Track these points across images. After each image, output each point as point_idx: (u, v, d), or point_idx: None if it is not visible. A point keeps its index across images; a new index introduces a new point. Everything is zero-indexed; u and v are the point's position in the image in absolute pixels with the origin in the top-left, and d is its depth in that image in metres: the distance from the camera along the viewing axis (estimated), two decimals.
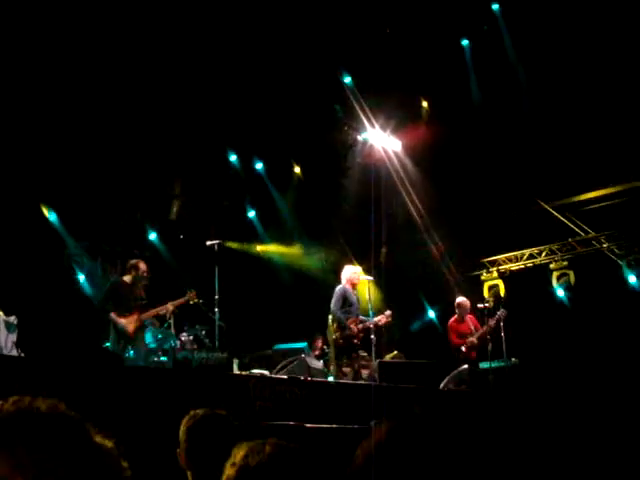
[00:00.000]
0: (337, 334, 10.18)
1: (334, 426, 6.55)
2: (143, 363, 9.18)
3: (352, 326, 10.14)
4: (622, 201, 13.50)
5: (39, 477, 1.42)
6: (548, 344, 12.60)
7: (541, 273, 14.60)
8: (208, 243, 10.93)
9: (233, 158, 14.65)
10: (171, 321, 10.99)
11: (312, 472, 1.97)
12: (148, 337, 10.65)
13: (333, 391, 8.05)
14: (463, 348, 11.26)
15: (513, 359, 11.60)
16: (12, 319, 9.17)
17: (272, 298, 14.01)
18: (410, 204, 14.84)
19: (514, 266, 15.27)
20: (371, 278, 10.94)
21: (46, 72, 10.66)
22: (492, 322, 11.26)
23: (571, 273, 14.32)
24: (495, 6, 13.19)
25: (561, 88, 12.82)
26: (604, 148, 12.80)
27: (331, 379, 10.08)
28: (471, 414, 8.27)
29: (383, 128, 14.32)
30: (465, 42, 13.86)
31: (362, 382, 9.71)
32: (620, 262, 13.70)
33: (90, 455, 1.53)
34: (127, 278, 9.72)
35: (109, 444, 2.05)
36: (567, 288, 14.15)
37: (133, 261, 9.98)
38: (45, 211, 12.12)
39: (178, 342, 10.46)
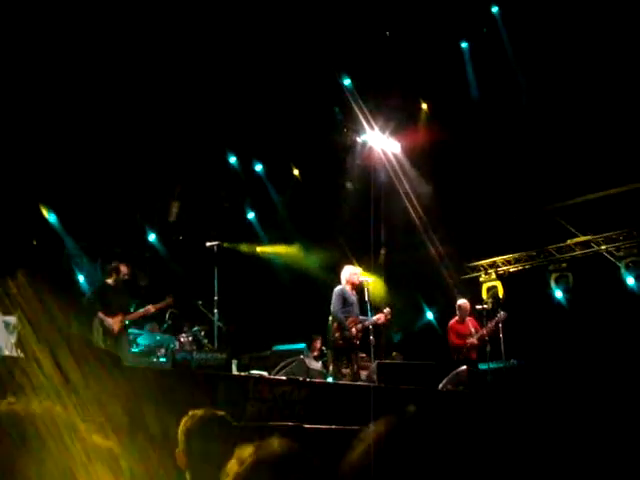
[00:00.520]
0: (337, 335, 10.19)
1: (333, 427, 6.56)
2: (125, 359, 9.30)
3: (352, 326, 10.16)
4: (621, 203, 13.51)
5: None
6: (547, 346, 12.61)
7: (540, 275, 14.62)
8: (207, 244, 10.96)
9: (233, 160, 14.67)
10: (170, 322, 11.03)
11: (313, 472, 1.98)
12: (148, 338, 10.69)
13: (332, 392, 8.07)
14: (463, 349, 11.30)
15: (512, 360, 11.63)
16: (12, 319, 9.18)
17: (271, 299, 14.03)
18: (409, 206, 14.87)
19: (512, 268, 15.29)
20: (370, 279, 10.95)
21: (46, 74, 10.67)
22: (491, 324, 11.29)
23: (569, 275, 14.34)
24: (494, 9, 13.22)
25: (560, 90, 12.84)
26: (603, 150, 12.81)
27: (330, 380, 10.09)
28: (469, 415, 8.27)
29: (382, 130, 14.35)
30: (464, 44, 13.89)
31: (361, 383, 9.72)
32: (618, 264, 13.72)
33: None
34: (110, 280, 9.90)
35: (108, 444, 2.07)
36: (565, 290, 14.17)
37: (115, 264, 10.14)
38: (45, 212, 12.13)
39: (177, 343, 10.49)
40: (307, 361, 10.33)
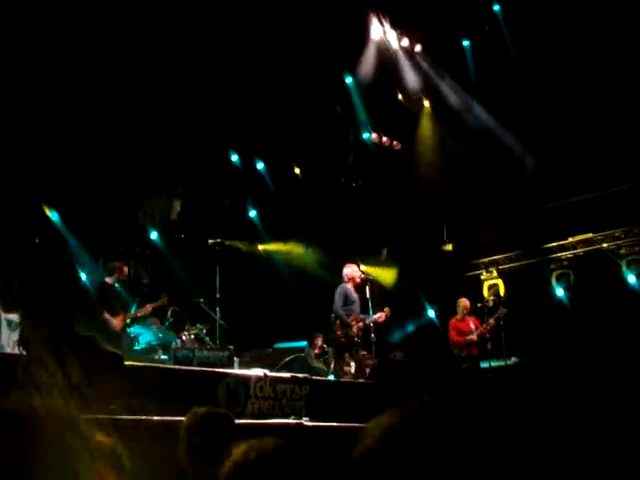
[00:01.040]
0: (339, 332, 10.23)
1: (334, 424, 6.59)
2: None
3: (353, 324, 10.20)
4: (623, 201, 13.50)
5: None
6: (547, 343, 12.61)
7: (541, 272, 14.61)
8: (209, 242, 10.99)
9: (234, 158, 14.69)
10: (172, 320, 11.05)
11: (311, 470, 2.00)
12: (150, 336, 10.71)
13: (333, 389, 8.09)
14: (464, 345, 11.32)
15: (513, 358, 11.65)
16: (14, 317, 9.21)
17: (273, 297, 14.04)
18: (411, 203, 14.92)
19: (514, 265, 15.28)
20: (372, 277, 10.98)
21: (48, 72, 10.69)
22: (492, 321, 11.31)
23: (571, 273, 14.33)
24: (496, 7, 13.22)
25: (562, 88, 12.85)
26: (606, 148, 12.82)
27: (331, 377, 10.12)
28: (470, 412, 8.29)
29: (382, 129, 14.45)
30: (466, 42, 13.90)
31: (362, 380, 9.74)
32: (619, 262, 13.71)
33: None
34: (110, 280, 9.91)
35: (111, 442, 2.09)
36: (567, 288, 14.16)
37: (116, 263, 10.17)
38: (47, 211, 12.15)
39: (179, 341, 10.51)
40: (308, 359, 10.36)
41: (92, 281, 12.47)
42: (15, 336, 8.77)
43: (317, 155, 14.70)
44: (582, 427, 7.88)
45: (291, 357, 10.63)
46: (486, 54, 13.64)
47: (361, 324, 10.23)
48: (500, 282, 15.20)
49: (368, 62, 13.72)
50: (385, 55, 13.93)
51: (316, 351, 12.32)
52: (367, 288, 10.49)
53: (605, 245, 14.01)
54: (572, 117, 12.93)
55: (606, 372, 10.59)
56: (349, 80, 14.23)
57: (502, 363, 11.37)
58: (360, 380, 9.70)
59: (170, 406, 5.62)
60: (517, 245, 15.06)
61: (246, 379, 6.89)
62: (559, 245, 14.61)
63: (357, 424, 6.92)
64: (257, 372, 7.22)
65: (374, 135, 14.87)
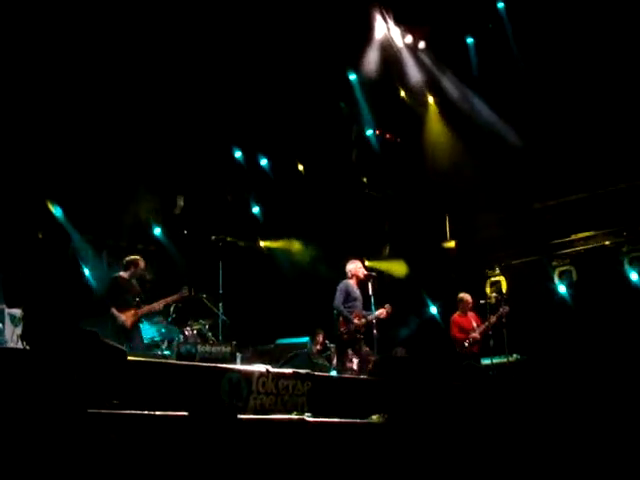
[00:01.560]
0: (342, 329, 10.25)
1: (336, 420, 6.60)
2: (140, 356, 9.29)
3: (356, 320, 10.21)
4: (625, 198, 13.51)
5: None
6: (550, 340, 12.63)
7: (543, 270, 14.62)
8: (213, 238, 11.00)
9: (238, 154, 14.72)
10: (175, 315, 11.08)
11: None
12: (152, 331, 10.73)
13: (335, 386, 8.10)
14: (466, 343, 11.32)
15: (515, 355, 11.66)
16: (17, 312, 9.26)
17: (275, 293, 14.08)
18: (414, 200, 14.94)
19: (516, 262, 15.28)
20: (375, 274, 10.98)
21: (52, 67, 10.71)
22: (494, 318, 11.32)
23: (573, 270, 14.34)
24: (500, 4, 13.23)
25: (565, 85, 12.85)
26: (607, 146, 12.83)
27: (334, 373, 10.14)
28: (472, 409, 8.30)
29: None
30: (470, 40, 13.90)
31: (364, 377, 9.76)
32: (622, 259, 13.71)
33: None
34: (125, 274, 9.83)
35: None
36: (569, 285, 14.17)
37: (133, 257, 10.06)
38: (50, 206, 12.18)
39: (182, 336, 10.53)
40: (311, 355, 10.37)
41: (95, 276, 12.52)
42: (19, 331, 8.82)
43: (320, 152, 14.72)
44: (584, 422, 7.91)
45: (293, 353, 10.65)
46: (490, 51, 13.64)
47: (363, 320, 10.24)
48: (502, 279, 15.20)
49: (372, 59, 13.74)
50: (389, 52, 13.93)
51: (318, 347, 12.35)
52: (370, 285, 10.49)
53: (607, 242, 14.02)
54: (575, 114, 12.93)
55: (608, 369, 10.62)
56: (353, 77, 14.24)
57: (504, 360, 11.39)
58: (362, 376, 9.72)
59: (172, 401, 5.64)
60: (520, 242, 15.06)
61: (248, 375, 6.90)
62: (561, 242, 14.61)
63: (359, 420, 6.95)
64: (259, 368, 7.23)
65: (377, 132, 14.89)
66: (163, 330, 10.90)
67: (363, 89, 14.20)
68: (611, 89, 12.42)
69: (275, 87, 12.94)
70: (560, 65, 12.68)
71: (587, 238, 14.34)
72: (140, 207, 13.38)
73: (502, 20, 13.20)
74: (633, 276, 13.38)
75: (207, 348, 8.91)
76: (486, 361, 11.33)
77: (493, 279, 15.41)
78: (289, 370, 7.65)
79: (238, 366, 8.31)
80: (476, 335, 11.36)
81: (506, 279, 15.14)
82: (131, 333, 9.49)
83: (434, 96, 14.94)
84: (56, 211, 12.23)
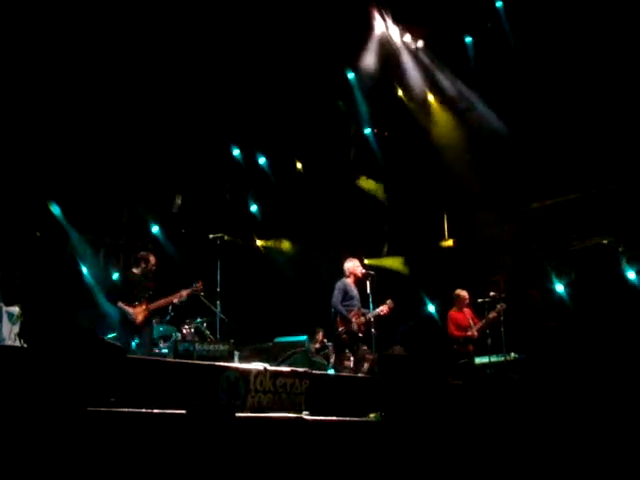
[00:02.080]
0: (341, 328, 10.23)
1: (334, 418, 6.61)
2: (146, 352, 9.30)
3: (354, 319, 10.19)
4: (622, 198, 13.51)
5: None
6: (547, 339, 12.63)
7: (541, 268, 14.62)
8: (210, 236, 11.00)
9: (236, 152, 14.71)
10: (172, 314, 11.07)
11: None
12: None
13: (333, 384, 8.11)
14: (469, 332, 11.35)
15: (512, 353, 11.65)
16: (15, 310, 9.25)
17: (273, 291, 14.07)
18: (412, 199, 14.94)
19: (514, 261, 15.26)
20: (373, 272, 10.96)
21: (51, 68, 10.71)
22: (491, 315, 11.31)
23: (571, 269, 14.34)
24: (499, 3, 13.23)
25: (564, 83, 12.86)
26: (605, 145, 12.83)
27: (332, 372, 10.13)
28: (471, 408, 8.31)
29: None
30: (468, 39, 13.90)
31: (362, 375, 9.76)
32: (620, 258, 13.71)
33: None
34: (136, 270, 9.86)
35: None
36: (567, 284, 14.17)
37: (144, 253, 10.11)
38: (48, 204, 12.18)
39: (179, 334, 10.54)
40: (309, 353, 10.37)
41: (93, 274, 12.52)
42: (16, 329, 8.81)
43: (319, 150, 14.72)
44: (583, 421, 7.92)
45: (291, 351, 10.65)
46: (488, 50, 13.65)
47: (362, 319, 10.21)
48: (500, 277, 15.20)
49: (370, 58, 13.75)
50: (387, 51, 13.94)
51: (317, 345, 12.35)
52: (368, 283, 10.47)
53: (605, 241, 14.01)
54: (574, 114, 12.93)
55: (607, 368, 10.62)
56: (351, 75, 14.24)
57: (502, 359, 11.38)
58: (360, 375, 9.72)
59: (170, 399, 5.65)
60: (517, 241, 15.07)
61: (246, 373, 6.90)
62: (560, 241, 14.60)
63: (357, 418, 6.95)
64: (257, 366, 7.23)
65: (375, 130, 14.91)
66: (161, 328, 10.91)
67: (361, 88, 14.19)
68: (611, 89, 12.41)
69: (273, 85, 12.94)
70: (559, 64, 12.68)
71: (585, 237, 14.34)
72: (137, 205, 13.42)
73: (501, 19, 13.20)
74: (631, 275, 13.39)
75: (205, 346, 8.91)
76: (484, 359, 11.33)
77: (491, 277, 15.41)
78: (287, 368, 7.66)
79: (236, 364, 8.31)
80: (474, 332, 11.38)
81: (504, 277, 15.14)
82: (141, 328, 9.50)
83: (433, 95, 14.94)
84: (54, 209, 12.23)
